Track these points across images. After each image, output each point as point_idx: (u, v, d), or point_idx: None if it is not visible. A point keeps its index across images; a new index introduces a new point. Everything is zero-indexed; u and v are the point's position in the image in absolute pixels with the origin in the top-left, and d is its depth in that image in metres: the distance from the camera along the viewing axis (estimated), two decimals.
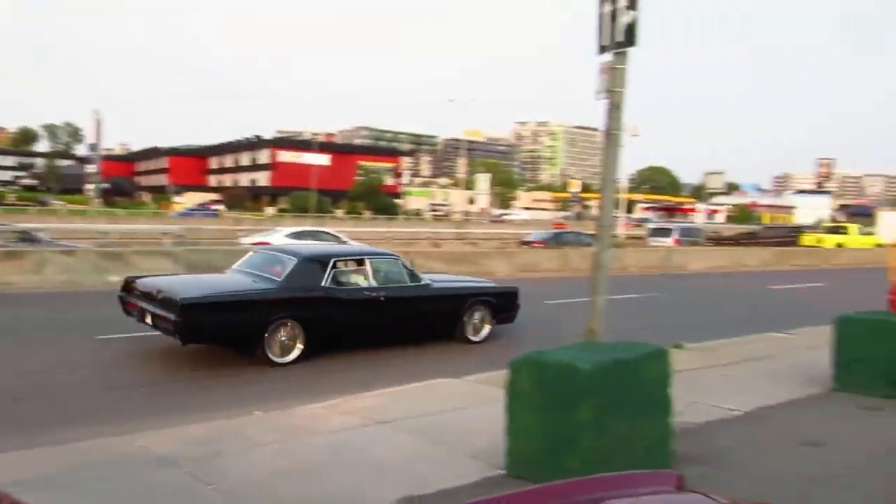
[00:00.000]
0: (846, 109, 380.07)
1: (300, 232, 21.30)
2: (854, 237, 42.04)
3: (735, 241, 40.55)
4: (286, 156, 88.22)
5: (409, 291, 10.14)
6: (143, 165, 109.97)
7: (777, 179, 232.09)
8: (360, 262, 10.05)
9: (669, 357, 5.07)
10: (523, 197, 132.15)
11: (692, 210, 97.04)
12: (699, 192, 55.84)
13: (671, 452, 5.17)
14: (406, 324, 10.12)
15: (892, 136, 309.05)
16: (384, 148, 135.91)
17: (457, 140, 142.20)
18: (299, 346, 8.89)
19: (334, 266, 9.54)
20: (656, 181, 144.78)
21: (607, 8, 6.90)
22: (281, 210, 71.05)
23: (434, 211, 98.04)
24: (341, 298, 9.36)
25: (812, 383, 8.18)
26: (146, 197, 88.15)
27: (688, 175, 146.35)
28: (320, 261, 9.53)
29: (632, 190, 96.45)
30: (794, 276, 25.39)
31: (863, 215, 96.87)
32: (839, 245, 39.56)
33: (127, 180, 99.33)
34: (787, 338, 11.66)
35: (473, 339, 10.76)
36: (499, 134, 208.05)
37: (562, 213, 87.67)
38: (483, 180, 61.79)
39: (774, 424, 6.66)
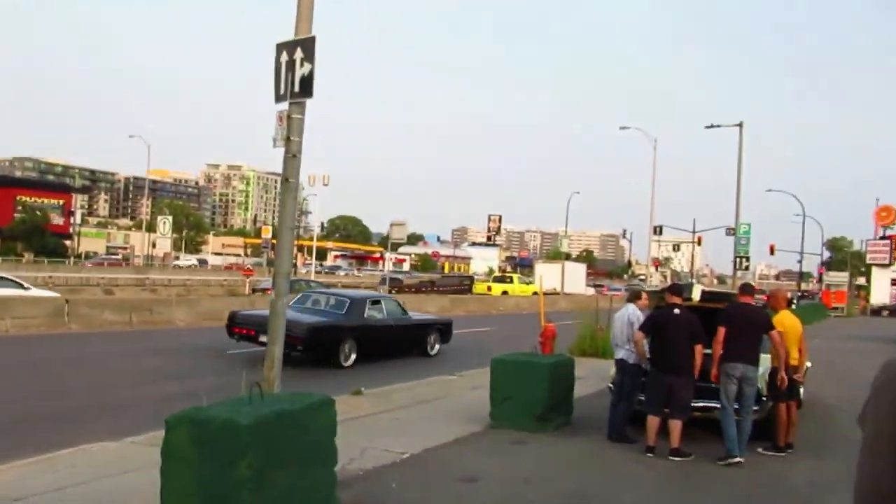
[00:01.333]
0: (514, 173, 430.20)
1: None
2: (517, 285, 47.28)
3: (416, 288, 43.14)
4: None
5: (404, 321, 15.80)
6: None
7: (456, 232, 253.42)
8: (378, 302, 15.69)
9: (334, 406, 5.10)
10: (214, 242, 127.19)
11: (381, 259, 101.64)
12: (386, 242, 58.75)
13: (337, 501, 5.18)
14: (401, 342, 15.68)
15: (547, 197, 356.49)
16: (52, 182, 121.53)
17: (140, 179, 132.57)
18: (353, 356, 13.95)
19: (369, 305, 15.08)
20: (347, 229, 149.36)
21: (284, 58, 6.95)
22: None
23: (112, 255, 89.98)
24: (373, 325, 14.78)
25: (474, 422, 8.84)
26: None
27: (376, 224, 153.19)
28: (363, 300, 15.23)
29: (323, 238, 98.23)
30: (467, 322, 27.63)
31: (525, 266, 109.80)
32: (505, 292, 44.17)
33: None
34: (455, 380, 12.56)
35: (431, 353, 16.23)
36: (187, 175, 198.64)
37: (252, 259, 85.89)
38: (164, 224, 58.19)
39: (438, 463, 7.05)
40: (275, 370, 7.83)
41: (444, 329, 16.91)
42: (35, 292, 19.64)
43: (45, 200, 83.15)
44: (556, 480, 6.64)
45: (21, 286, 19.22)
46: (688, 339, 7.44)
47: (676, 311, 7.62)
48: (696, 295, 8.48)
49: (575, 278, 53.50)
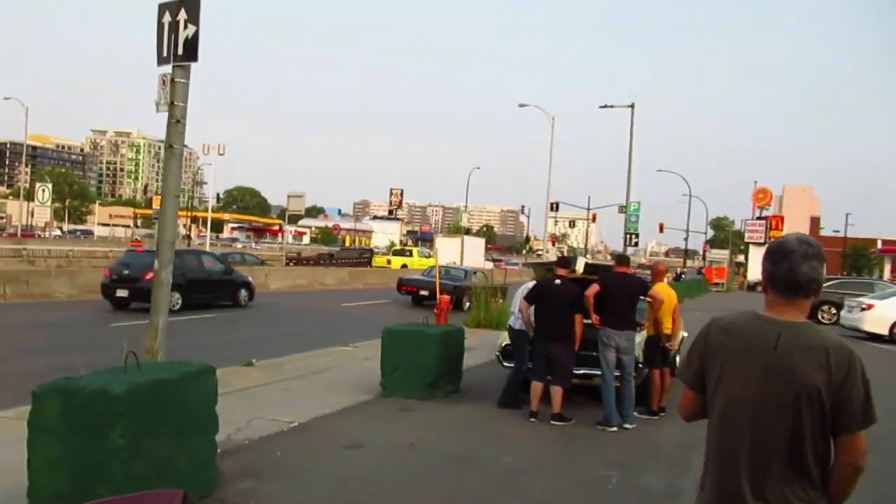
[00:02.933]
0: (417, 148, 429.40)
1: None
2: (416, 259, 47.48)
3: (315, 261, 42.61)
4: None
5: (465, 281, 23.05)
6: None
7: (357, 205, 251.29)
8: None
9: (214, 375, 5.03)
10: (100, 211, 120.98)
11: (280, 231, 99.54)
12: (286, 214, 57.67)
13: (216, 469, 5.14)
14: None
15: (449, 173, 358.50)
16: None
17: (18, 144, 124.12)
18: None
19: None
20: (245, 201, 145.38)
21: (167, 19, 6.69)
22: None
23: None
24: (464, 286, 22.39)
25: (365, 391, 8.91)
26: None
27: (275, 197, 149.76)
28: (465, 271, 25.20)
29: (220, 210, 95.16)
30: (366, 294, 27.63)
31: (426, 240, 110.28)
32: (404, 265, 44.30)
33: None
34: (350, 350, 12.58)
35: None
36: (71, 141, 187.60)
37: (143, 231, 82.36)
38: (42, 191, 54.71)
39: (325, 432, 7.08)
40: (158, 341, 7.63)
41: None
42: None
43: None
44: (440, 445, 6.81)
45: None
46: (569, 308, 7.73)
47: (557, 281, 7.91)
48: (579, 267, 8.81)
49: (475, 253, 54.16)
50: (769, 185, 61.30)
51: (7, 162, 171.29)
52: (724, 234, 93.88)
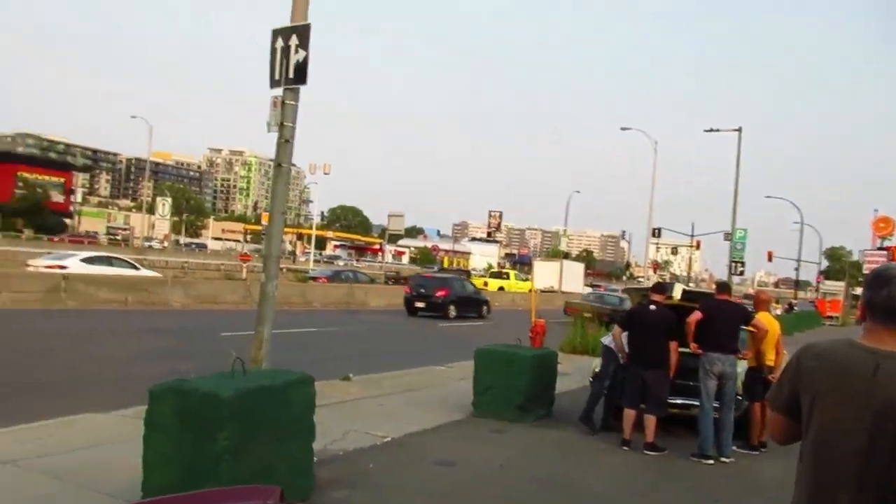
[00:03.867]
0: (517, 175, 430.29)
1: (92, 257, 22.81)
2: (513, 282, 47.43)
3: None
4: None
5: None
6: None
7: (456, 227, 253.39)
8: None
9: (313, 384, 5.27)
10: (214, 226, 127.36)
11: (380, 250, 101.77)
12: (386, 234, 59.10)
13: (313, 477, 5.35)
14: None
15: (550, 197, 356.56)
16: (54, 160, 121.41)
17: (142, 160, 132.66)
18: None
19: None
20: (348, 220, 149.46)
21: (280, 44, 7.10)
22: None
23: (112, 235, 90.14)
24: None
25: (457, 410, 9.03)
26: None
27: (377, 216, 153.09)
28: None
29: (323, 227, 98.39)
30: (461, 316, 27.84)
31: (524, 263, 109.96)
32: (501, 288, 44.33)
33: None
34: (444, 370, 12.74)
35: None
36: (190, 158, 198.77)
37: (251, 246, 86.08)
38: (163, 205, 58.18)
39: (417, 448, 7.23)
40: (263, 350, 8.01)
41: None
42: (144, 273, 22.59)
43: (46, 178, 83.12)
44: (529, 467, 6.82)
45: (134, 267, 22.52)
46: (663, 335, 7.60)
47: (653, 307, 7.79)
48: (677, 293, 8.65)
49: (573, 277, 53.53)
50: (892, 213, 57.56)
51: (132, 177, 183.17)
52: (840, 265, 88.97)
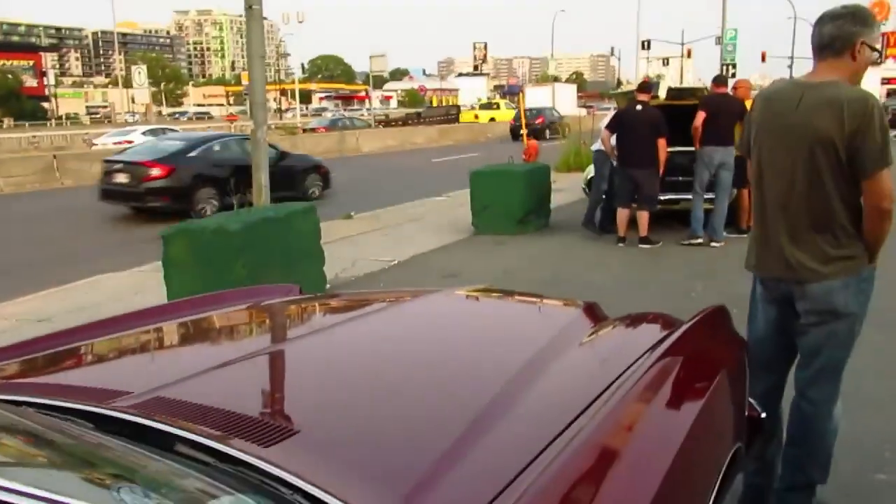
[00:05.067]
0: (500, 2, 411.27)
1: (154, 129, 25.25)
2: (504, 111, 46.90)
3: (403, 122, 42.89)
4: None
5: None
6: None
7: (441, 64, 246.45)
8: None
9: (315, 212, 5.52)
10: (194, 93, 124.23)
11: (367, 97, 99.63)
12: (372, 80, 57.79)
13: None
14: None
15: (536, 22, 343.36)
16: (18, 43, 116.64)
17: (108, 33, 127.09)
18: None
19: None
20: (330, 70, 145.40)
21: None
22: None
23: (93, 114, 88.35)
24: None
25: (459, 232, 9.39)
26: None
27: (359, 63, 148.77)
28: None
29: (306, 80, 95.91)
30: (456, 150, 27.87)
31: (514, 93, 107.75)
32: (492, 119, 43.95)
33: None
34: (443, 200, 13.04)
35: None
36: (157, 25, 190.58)
37: (236, 108, 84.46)
38: (139, 74, 56.34)
39: (423, 266, 7.63)
40: (263, 197, 8.21)
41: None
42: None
43: (14, 62, 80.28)
44: (531, 270, 7.23)
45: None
46: (650, 133, 7.75)
47: (639, 106, 7.89)
48: (662, 92, 8.71)
49: (566, 100, 52.81)
50: None
51: (101, 52, 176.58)
52: None
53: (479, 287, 2.64)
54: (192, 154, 12.42)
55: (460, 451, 1.18)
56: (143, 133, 22.67)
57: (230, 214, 5.14)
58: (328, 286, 6.43)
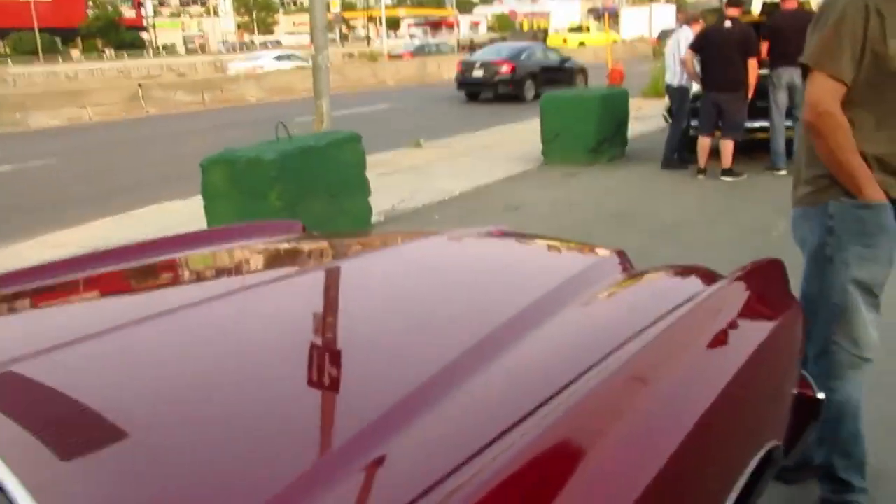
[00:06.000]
0: None
1: (280, 55, 28.95)
2: (594, 36, 44.91)
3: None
4: None
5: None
6: None
7: None
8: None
9: (360, 141, 5.21)
10: (284, 21, 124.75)
11: (455, 23, 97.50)
12: (459, 4, 56.21)
13: (371, 227, 5.48)
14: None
15: None
16: None
17: None
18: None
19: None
20: None
21: None
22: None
23: (190, 44, 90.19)
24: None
25: (528, 162, 8.91)
26: None
27: None
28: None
29: (394, 6, 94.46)
30: None
31: (610, 16, 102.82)
32: (581, 44, 42.20)
33: None
34: (518, 127, 12.49)
35: None
36: None
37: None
38: (223, 2, 56.28)
39: (486, 197, 7.25)
40: (325, 124, 7.98)
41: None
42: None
43: None
44: (601, 203, 6.75)
45: (304, 61, 24.70)
46: (740, 54, 6.98)
47: (728, 23, 7.09)
48: (755, 8, 7.84)
49: (665, 23, 50.04)
50: None
51: None
52: None
53: (491, 228, 2.26)
54: (522, 57, 17.68)
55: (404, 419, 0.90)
56: (274, 58, 27.43)
57: (271, 143, 4.89)
58: (380, 219, 6.17)
